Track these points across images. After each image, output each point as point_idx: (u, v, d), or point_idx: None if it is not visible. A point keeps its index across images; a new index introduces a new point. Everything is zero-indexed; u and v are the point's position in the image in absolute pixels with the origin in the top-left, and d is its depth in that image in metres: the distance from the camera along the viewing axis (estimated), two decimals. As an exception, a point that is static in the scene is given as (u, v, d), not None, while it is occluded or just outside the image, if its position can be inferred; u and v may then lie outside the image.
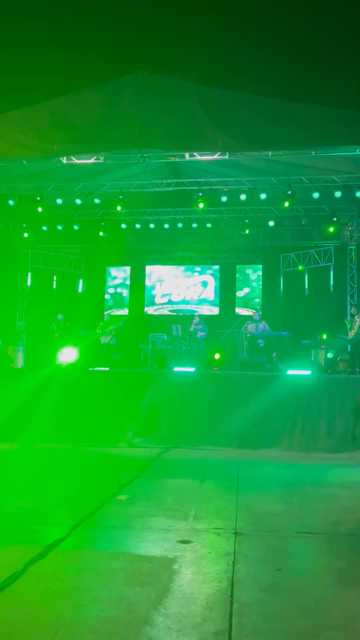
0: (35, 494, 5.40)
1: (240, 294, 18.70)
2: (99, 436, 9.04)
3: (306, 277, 16.99)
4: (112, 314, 18.19)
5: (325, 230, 15.33)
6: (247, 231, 14.77)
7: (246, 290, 18.71)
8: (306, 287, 16.95)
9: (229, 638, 2.55)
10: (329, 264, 16.49)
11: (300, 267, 16.86)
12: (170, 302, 19.13)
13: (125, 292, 19.48)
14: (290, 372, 9.17)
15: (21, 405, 9.32)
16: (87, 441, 9.01)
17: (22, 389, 9.38)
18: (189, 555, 3.65)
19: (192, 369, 9.49)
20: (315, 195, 12.91)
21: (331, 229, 14.56)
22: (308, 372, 9.12)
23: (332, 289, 16.39)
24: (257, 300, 18.45)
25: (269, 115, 9.21)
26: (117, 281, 19.58)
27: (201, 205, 12.91)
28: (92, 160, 11.03)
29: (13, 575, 3.18)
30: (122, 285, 19.54)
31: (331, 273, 16.46)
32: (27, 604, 2.86)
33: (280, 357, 11.47)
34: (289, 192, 12.32)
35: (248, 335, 12.93)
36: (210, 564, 3.50)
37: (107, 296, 19.46)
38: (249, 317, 14.09)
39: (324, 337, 12.16)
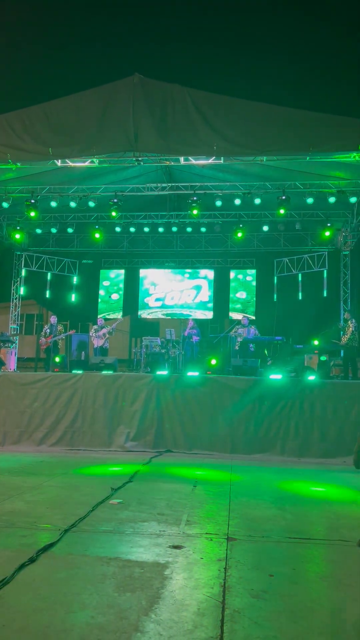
0: (26, 498, 5.35)
1: (234, 298, 18.71)
2: (92, 440, 9.01)
3: (300, 281, 17.02)
4: (106, 317, 18.14)
5: (319, 236, 15.39)
6: (239, 234, 14.77)
7: (240, 294, 18.72)
8: (300, 292, 16.98)
9: (220, 645, 2.52)
10: (322, 269, 16.53)
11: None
12: (164, 306, 19.11)
13: (119, 296, 19.44)
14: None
15: (13, 408, 9.28)
16: (80, 444, 8.99)
17: (15, 393, 9.33)
18: (181, 561, 3.63)
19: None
20: (310, 200, 12.94)
21: (327, 233, 14.60)
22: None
23: (325, 294, 16.44)
24: (251, 304, 18.46)
25: (264, 120, 9.24)
26: (111, 284, 19.54)
27: (195, 212, 12.91)
28: (86, 164, 11.02)
29: (2, 581, 3.14)
30: (116, 288, 19.50)
31: (325, 278, 16.50)
32: (16, 610, 2.82)
33: (273, 362, 11.47)
34: (283, 197, 12.35)
35: (239, 340, 12.92)
36: (202, 570, 3.48)
37: (100, 299, 19.42)
38: (239, 322, 14.07)
39: (315, 342, 12.16)
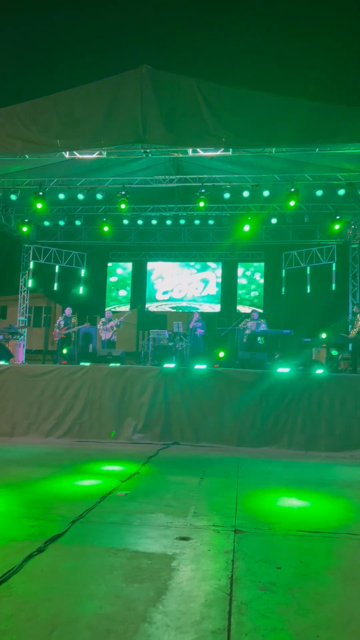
0: (35, 489, 5.39)
1: (241, 291, 18.67)
2: (99, 432, 9.04)
3: (308, 275, 16.95)
4: (114, 310, 18.17)
5: (328, 229, 15.29)
6: (247, 227, 14.70)
7: (248, 287, 18.67)
8: (308, 285, 16.91)
9: (227, 636, 2.53)
10: (331, 262, 16.45)
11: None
12: (171, 299, 19.11)
13: (126, 289, 19.45)
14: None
15: (21, 400, 9.32)
16: (88, 436, 9.02)
17: (23, 384, 9.37)
18: (188, 553, 3.63)
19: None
20: (319, 193, 12.86)
21: (336, 227, 14.51)
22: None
23: (334, 288, 16.35)
24: (258, 297, 18.41)
25: (273, 112, 9.16)
26: (119, 277, 19.55)
27: (202, 204, 12.85)
28: (94, 156, 10.99)
29: (10, 571, 3.16)
30: (124, 281, 19.51)
31: (333, 271, 16.41)
32: (25, 600, 2.84)
33: (281, 355, 11.44)
34: (292, 190, 12.27)
35: (247, 332, 12.90)
36: (209, 562, 3.48)
37: (108, 292, 19.43)
38: (248, 315, 14.04)
39: (323, 335, 12.11)
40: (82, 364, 9.73)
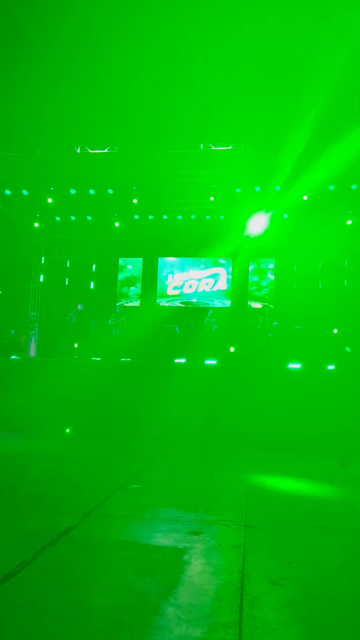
0: (47, 483, 5.43)
1: (253, 286, 18.59)
2: (111, 426, 9.08)
3: (319, 270, 16.81)
4: (124, 305, 18.19)
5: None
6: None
7: (259, 283, 18.59)
8: (320, 280, 16.78)
9: (239, 630, 2.54)
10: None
11: None
12: (182, 294, 19.07)
13: (137, 284, 19.44)
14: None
15: (33, 394, 9.38)
16: (99, 431, 9.06)
17: (36, 379, 9.44)
18: (199, 547, 3.65)
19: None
20: (330, 187, 12.75)
21: (349, 222, 14.40)
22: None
23: (345, 283, 16.23)
24: (270, 293, 18.32)
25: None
26: (129, 272, 19.56)
27: (212, 198, 12.82)
28: (106, 150, 10.98)
29: (24, 562, 3.20)
30: (135, 276, 19.50)
31: (345, 267, 16.27)
32: (38, 591, 2.87)
33: (293, 351, 11.40)
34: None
35: (258, 327, 12.87)
36: (220, 556, 3.49)
37: (119, 287, 19.45)
38: (261, 311, 14.00)
39: (335, 332, 12.03)
40: (93, 358, 9.78)
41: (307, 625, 2.62)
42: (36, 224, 15.36)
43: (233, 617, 2.66)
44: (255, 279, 18.59)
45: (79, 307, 13.16)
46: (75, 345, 12.70)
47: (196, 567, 3.28)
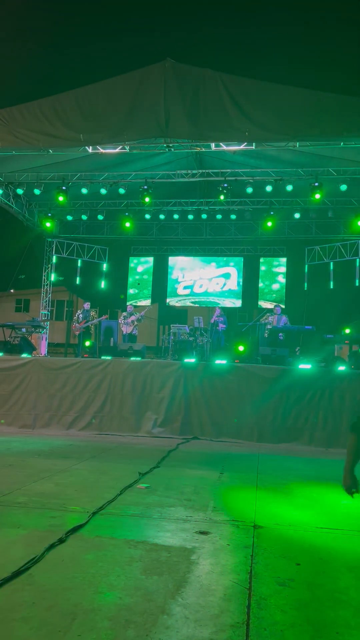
0: (55, 480, 5.46)
1: (263, 286, 18.55)
2: (120, 425, 9.11)
3: (331, 270, 16.74)
4: (135, 304, 18.23)
5: (351, 223, 15.08)
6: (269, 224, 14.58)
7: (269, 283, 18.55)
8: (331, 280, 16.71)
9: (246, 631, 2.53)
10: (355, 257, 16.22)
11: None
12: (192, 294, 19.09)
13: (148, 283, 19.49)
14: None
15: (43, 392, 9.43)
16: (108, 429, 9.10)
17: (45, 377, 9.48)
18: (207, 547, 3.65)
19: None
20: (343, 187, 12.68)
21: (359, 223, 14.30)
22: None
23: (357, 283, 16.13)
24: (280, 293, 18.28)
25: (297, 105, 9.05)
26: (140, 271, 19.60)
27: (222, 197, 12.78)
28: (117, 150, 11.01)
29: (32, 560, 3.22)
30: (145, 275, 19.55)
31: (357, 267, 16.18)
32: (46, 589, 2.88)
33: (303, 351, 11.35)
34: (316, 184, 12.13)
35: (269, 327, 12.82)
36: (228, 556, 3.49)
37: (129, 286, 19.51)
38: (270, 310, 13.95)
39: (347, 331, 11.96)
40: (103, 357, 9.81)
41: (315, 627, 2.61)
42: (48, 224, 15.44)
43: (241, 618, 2.65)
44: (267, 278, 18.56)
45: (86, 305, 13.20)
46: (87, 343, 12.75)
47: (204, 567, 3.28)
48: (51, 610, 2.66)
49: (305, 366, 9.04)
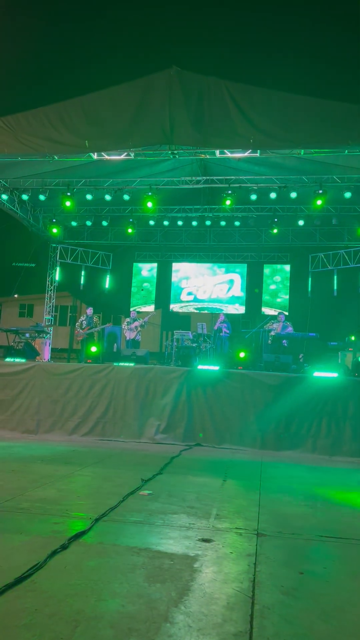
0: (58, 486, 5.45)
1: (267, 293, 18.55)
2: (123, 431, 9.09)
3: (335, 277, 16.74)
4: (138, 310, 18.25)
5: (356, 231, 15.09)
6: (275, 230, 14.62)
7: (273, 289, 18.55)
8: (335, 288, 16.70)
9: (249, 639, 2.52)
10: (358, 265, 16.22)
11: None
12: (196, 300, 19.10)
13: (151, 289, 19.52)
14: (317, 373, 9.03)
15: (46, 398, 9.44)
16: (111, 435, 9.09)
17: (49, 382, 9.49)
18: (210, 554, 3.63)
19: (216, 367, 9.44)
20: (347, 194, 12.71)
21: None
22: (335, 375, 8.97)
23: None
24: (284, 300, 18.27)
25: (302, 112, 9.08)
26: (144, 277, 19.64)
27: (228, 202, 12.81)
28: (122, 157, 11.07)
29: (35, 566, 3.20)
30: (149, 281, 19.58)
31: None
32: (49, 596, 2.87)
33: (307, 358, 11.32)
34: (320, 191, 12.15)
35: (272, 334, 12.80)
36: (231, 564, 3.47)
37: (133, 292, 19.53)
38: (274, 317, 13.94)
39: (352, 338, 11.94)
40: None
41: (319, 637, 2.59)
42: (54, 230, 15.51)
43: (244, 627, 2.63)
44: (270, 285, 18.56)
45: (89, 311, 13.21)
46: (93, 349, 12.74)
47: (207, 575, 3.26)
48: (54, 617, 2.64)
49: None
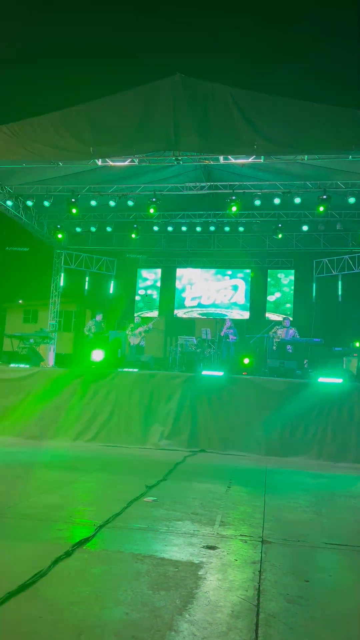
0: (62, 493, 5.43)
1: (271, 298, 18.54)
2: (126, 437, 9.07)
3: (339, 283, 16.72)
4: (143, 315, 18.26)
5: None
6: (280, 235, 14.62)
7: (278, 295, 18.53)
8: (339, 293, 16.67)
9: (254, 649, 2.49)
10: (363, 270, 16.20)
11: None
12: (200, 306, 19.10)
13: (155, 295, 19.53)
14: (321, 379, 8.99)
15: (50, 403, 9.43)
16: (115, 441, 9.06)
17: (53, 388, 9.48)
18: (215, 562, 3.60)
19: (221, 373, 9.42)
20: (351, 200, 12.69)
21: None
22: (340, 380, 8.92)
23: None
24: (288, 305, 18.25)
25: (306, 118, 9.10)
26: (148, 283, 19.66)
27: (234, 208, 12.82)
28: (126, 163, 11.10)
29: (39, 573, 3.19)
30: (153, 287, 19.60)
31: (365, 280, 16.15)
32: (52, 603, 2.85)
33: (311, 364, 11.28)
34: (324, 197, 12.15)
35: (277, 340, 12.78)
36: (236, 572, 3.44)
37: (137, 298, 19.55)
38: (279, 322, 13.92)
39: (357, 344, 11.89)
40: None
41: (325, 646, 2.56)
42: (60, 235, 15.56)
43: (249, 635, 2.61)
44: (275, 290, 18.55)
45: (98, 317, 13.22)
46: (99, 354, 12.71)
47: (212, 583, 3.24)
48: (57, 625, 2.63)
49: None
